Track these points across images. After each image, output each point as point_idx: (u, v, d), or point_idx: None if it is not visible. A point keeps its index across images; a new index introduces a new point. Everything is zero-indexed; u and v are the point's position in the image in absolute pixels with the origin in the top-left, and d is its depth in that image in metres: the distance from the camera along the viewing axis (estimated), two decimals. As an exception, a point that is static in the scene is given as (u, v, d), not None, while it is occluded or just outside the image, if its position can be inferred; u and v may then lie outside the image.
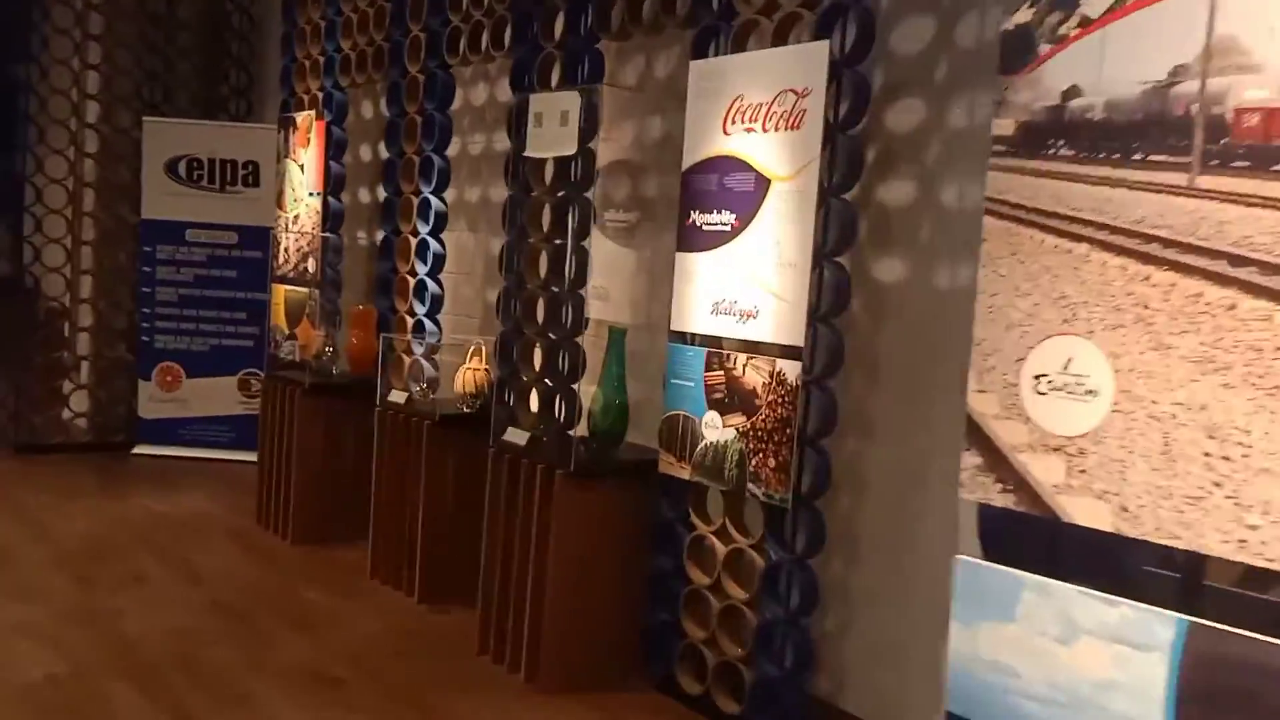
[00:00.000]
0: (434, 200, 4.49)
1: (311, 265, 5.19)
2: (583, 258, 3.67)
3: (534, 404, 3.84)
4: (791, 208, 2.99)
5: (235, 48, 6.85)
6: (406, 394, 4.33)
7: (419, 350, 4.55)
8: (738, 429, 3.13)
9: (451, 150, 4.67)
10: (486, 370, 4.30)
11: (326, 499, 4.84)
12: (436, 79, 4.48)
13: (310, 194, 5.21)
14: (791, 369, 2.99)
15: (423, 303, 4.60)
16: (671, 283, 3.37)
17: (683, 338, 3.36)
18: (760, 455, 3.06)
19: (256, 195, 6.34)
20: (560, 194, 3.75)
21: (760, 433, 3.06)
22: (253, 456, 5.29)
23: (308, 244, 5.21)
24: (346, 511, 4.78)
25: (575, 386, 3.54)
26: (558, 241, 3.77)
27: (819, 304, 2.97)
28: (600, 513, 3.41)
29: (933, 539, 2.93)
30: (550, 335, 3.72)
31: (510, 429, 3.64)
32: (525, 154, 3.63)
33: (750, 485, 3.09)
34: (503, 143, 4.76)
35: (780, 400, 3.01)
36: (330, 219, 5.11)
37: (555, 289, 3.78)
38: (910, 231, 3.08)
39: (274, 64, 6.38)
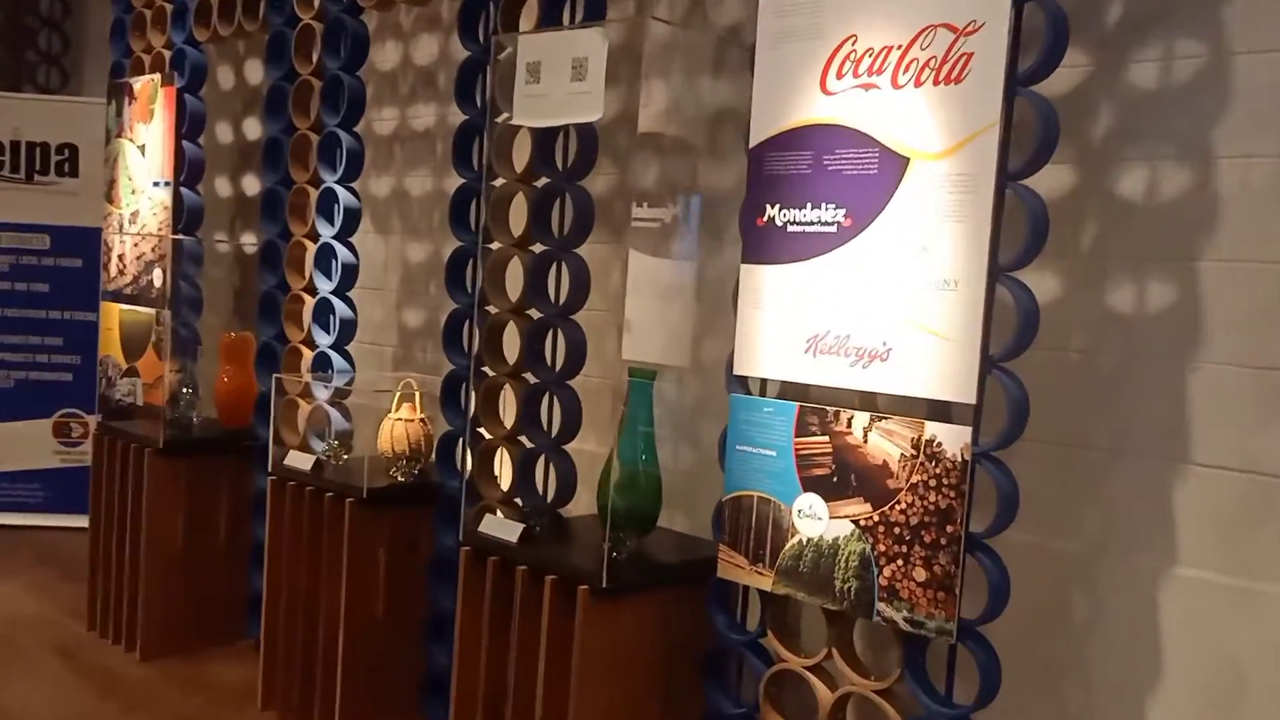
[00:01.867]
0: (341, 192, 3.34)
1: (158, 278, 3.93)
2: (579, 270, 2.62)
3: (502, 471, 2.77)
4: (949, 199, 2.02)
5: (45, 3, 5.45)
6: (312, 456, 3.17)
7: (322, 394, 3.39)
8: (857, 522, 2.14)
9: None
10: (423, 422, 3.18)
11: (191, 595, 3.62)
12: (343, 27, 3.32)
13: (156, 184, 3.94)
14: (953, 436, 2.02)
15: (326, 329, 3.43)
16: (732, 307, 2.36)
17: (752, 386, 2.35)
18: (899, 562, 2.08)
19: (75, 187, 5.00)
20: (544, 182, 2.69)
21: (898, 529, 2.08)
22: (75, 522, 4.00)
23: (153, 250, 3.94)
24: (221, 611, 3.57)
25: (565, 449, 2.50)
26: (537, 248, 2.71)
27: (986, 340, 2.02)
28: (636, 639, 2.36)
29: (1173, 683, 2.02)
30: (529, 378, 2.67)
31: (488, 518, 2.55)
32: (513, 121, 2.55)
33: (882, 605, 2.10)
34: (423, 118, 3.64)
35: (934, 481, 2.04)
36: (186, 217, 3.87)
37: (538, 313, 2.72)
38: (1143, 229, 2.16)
39: (95, 22, 5.05)
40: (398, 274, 3.79)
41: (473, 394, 2.91)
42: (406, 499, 3.03)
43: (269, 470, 3.25)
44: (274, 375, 3.37)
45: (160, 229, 3.88)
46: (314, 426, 3.40)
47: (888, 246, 2.10)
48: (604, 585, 2.24)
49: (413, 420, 3.18)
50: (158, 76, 3.92)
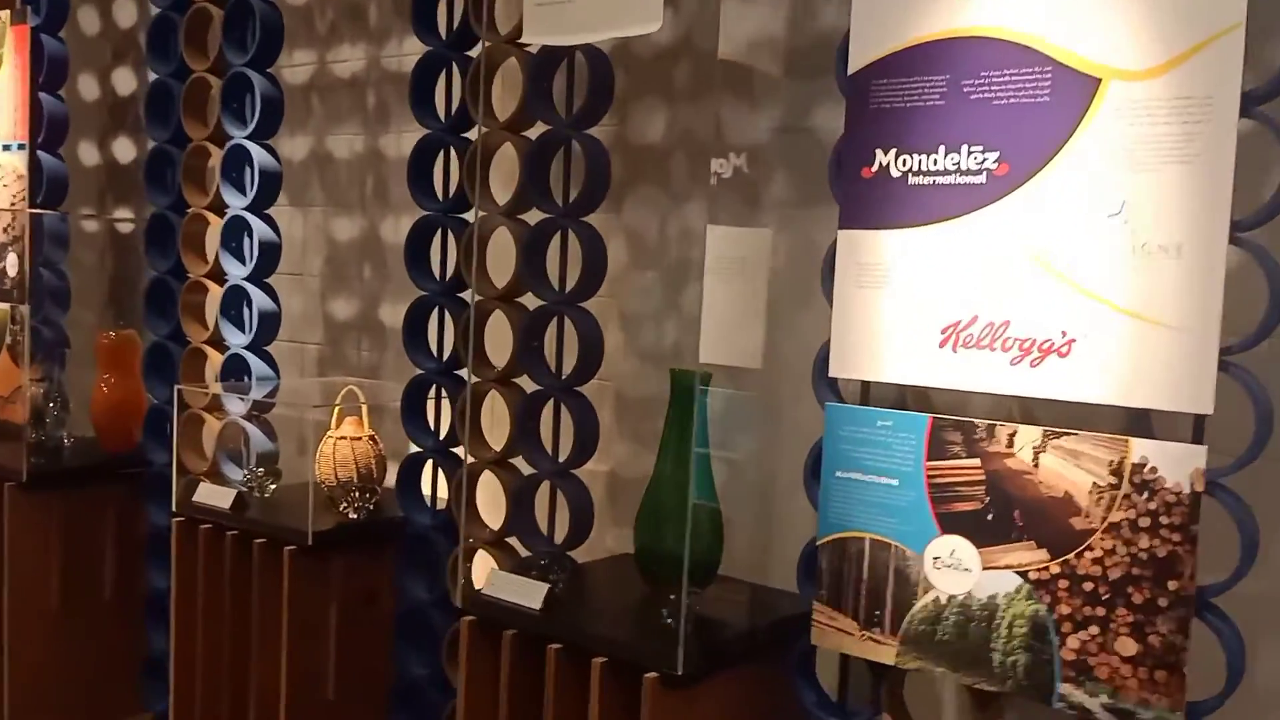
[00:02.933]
0: (255, 151, 2.62)
1: (12, 264, 3.15)
2: (593, 244, 2.02)
3: (487, 503, 2.15)
4: (1166, 134, 1.47)
5: None
6: (231, 490, 2.47)
7: (237, 408, 2.68)
8: (1025, 575, 1.58)
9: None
10: (373, 440, 2.51)
11: (71, 661, 2.87)
12: (249, -59, 2.60)
13: (7, 147, 3.15)
14: (1176, 459, 1.48)
15: (240, 326, 2.72)
16: (822, 288, 1.78)
17: (845, 392, 1.78)
18: (1092, 629, 1.54)
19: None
20: (543, 131, 2.06)
21: (1091, 584, 1.53)
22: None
23: (4, 230, 3.16)
24: (112, 679, 2.85)
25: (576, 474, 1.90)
26: (533, 217, 2.09)
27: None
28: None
29: None
30: (522, 383, 2.06)
31: (496, 575, 1.92)
32: (524, 40, 1.91)
33: (1067, 688, 1.56)
34: (349, 62, 2.95)
35: (1147, 520, 1.49)
36: (46, 187, 3.10)
37: (537, 300, 2.10)
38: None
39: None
40: (320, 255, 3.09)
41: (445, 404, 2.27)
42: (361, 541, 2.37)
43: (173, 508, 2.54)
44: (175, 386, 2.65)
45: (13, 202, 3.09)
46: (226, 449, 2.70)
47: (1066, 201, 1.54)
48: (680, 671, 1.64)
49: (360, 439, 2.51)
50: (6, 13, 3.12)
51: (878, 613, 1.73)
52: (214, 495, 2.47)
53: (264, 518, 2.40)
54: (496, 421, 2.22)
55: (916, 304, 1.67)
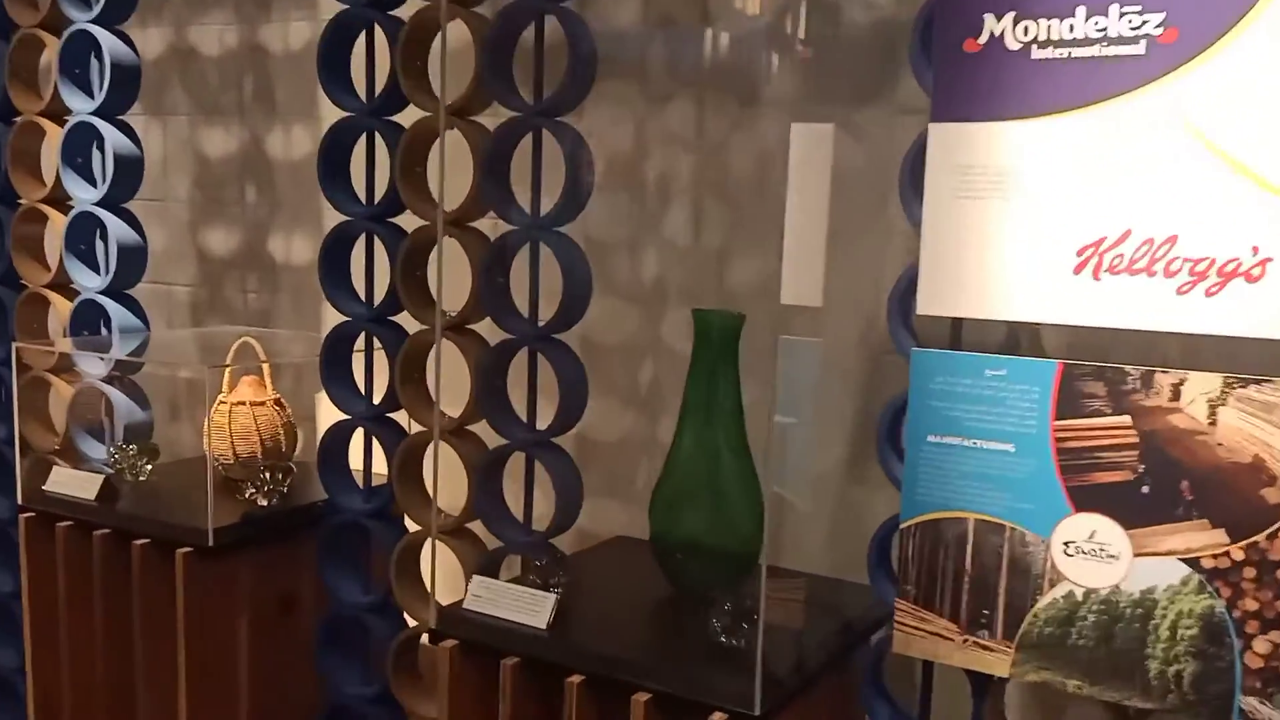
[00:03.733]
0: (105, 39, 2.04)
1: None
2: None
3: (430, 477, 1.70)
4: None
5: None
6: (98, 476, 1.94)
7: (95, 370, 2.13)
8: (1196, 563, 1.24)
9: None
10: (279, 406, 2.02)
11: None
12: None
13: None
14: None
15: (93, 265, 2.15)
16: (904, 198, 1.38)
17: (944, 333, 1.39)
18: (1290, 630, 1.20)
19: None
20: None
21: (1288, 574, 1.20)
22: None
23: None
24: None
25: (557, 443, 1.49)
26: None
27: None
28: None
29: None
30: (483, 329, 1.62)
31: (482, 584, 1.46)
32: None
33: (1253, 703, 1.22)
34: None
35: (1370, 493, 1.16)
36: None
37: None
38: None
39: None
40: (187, 177, 2.52)
41: (377, 358, 1.80)
42: (274, 535, 1.88)
43: (19, 500, 1.99)
44: (10, 342, 2.08)
45: None
46: (83, 421, 2.15)
47: (1259, 77, 1.17)
48: (758, 712, 1.23)
49: (263, 404, 2.01)
50: None
51: (986, 613, 1.36)
52: (73, 482, 1.94)
53: (143, 510, 1.88)
54: (450, 380, 1.75)
55: (1043, 218, 1.29)
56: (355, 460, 1.92)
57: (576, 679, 1.31)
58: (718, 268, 1.86)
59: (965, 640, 1.37)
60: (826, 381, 1.67)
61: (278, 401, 2.05)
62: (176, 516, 1.83)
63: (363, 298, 1.86)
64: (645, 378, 1.96)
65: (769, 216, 1.75)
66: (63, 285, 2.17)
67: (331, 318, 1.88)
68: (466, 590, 1.45)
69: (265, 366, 2.04)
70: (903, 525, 1.40)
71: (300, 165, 2.34)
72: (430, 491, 1.72)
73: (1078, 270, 1.27)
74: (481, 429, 1.74)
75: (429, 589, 1.63)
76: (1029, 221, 1.29)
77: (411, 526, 1.81)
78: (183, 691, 1.78)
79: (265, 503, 1.88)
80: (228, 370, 2.02)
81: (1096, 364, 1.27)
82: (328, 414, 2.26)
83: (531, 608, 1.39)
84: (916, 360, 1.37)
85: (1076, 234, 1.27)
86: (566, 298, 1.60)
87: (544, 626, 1.38)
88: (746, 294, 1.82)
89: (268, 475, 1.87)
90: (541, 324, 1.66)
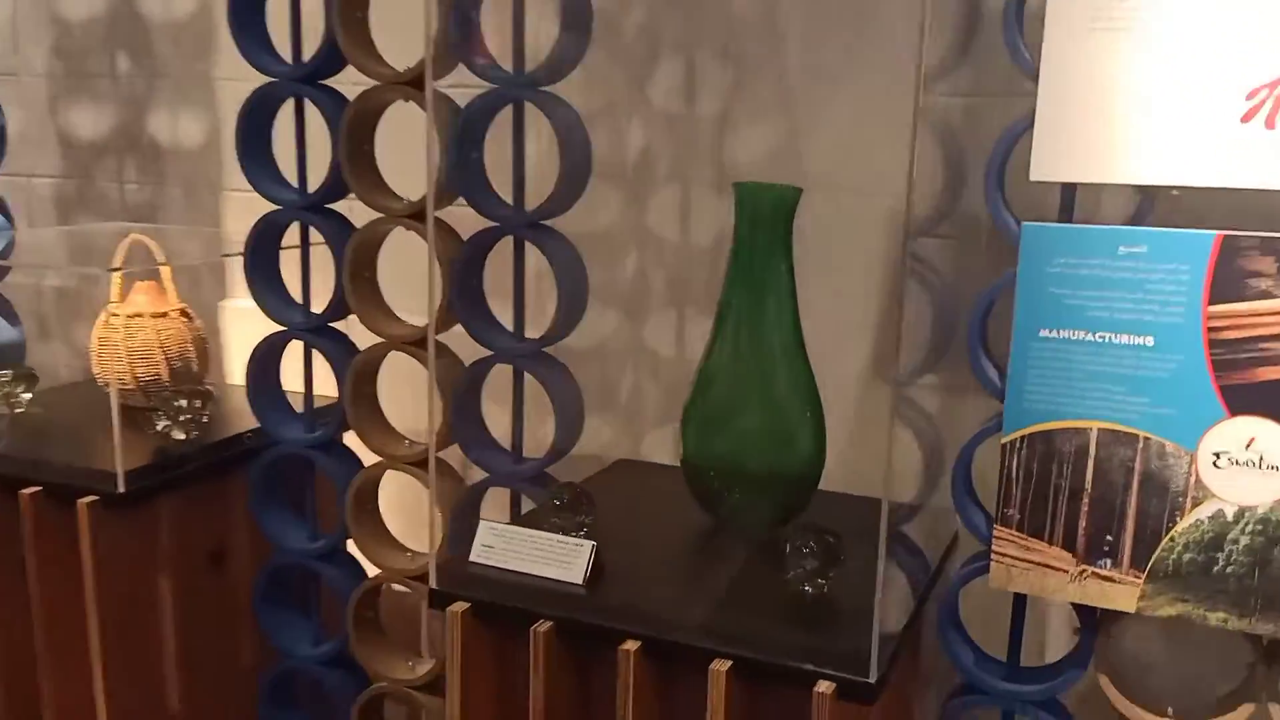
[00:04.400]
0: None
1: None
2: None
3: (397, 406, 1.40)
4: None
5: None
6: (-37, 413, 1.56)
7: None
8: (1384, 472, 1.03)
9: None
10: (186, 318, 1.67)
11: None
12: None
13: None
14: None
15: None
16: (1004, 39, 1.11)
17: (1046, 204, 1.13)
18: None
19: None
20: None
21: None
22: None
23: None
24: None
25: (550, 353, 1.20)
26: (460, 221, 1.29)
27: None
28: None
29: None
30: (461, 226, 1.31)
31: (493, 530, 1.17)
32: None
33: None
34: None
35: None
36: None
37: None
38: None
39: None
40: (41, 45, 2.07)
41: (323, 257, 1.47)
42: (194, 475, 1.54)
43: None
44: None
45: None
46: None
47: None
48: (873, 678, 0.98)
49: (166, 316, 1.65)
50: None
51: (1109, 539, 1.14)
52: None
53: (28, 450, 1.52)
54: (402, 279, 1.44)
55: (1203, 52, 1.03)
56: (288, 382, 1.59)
57: (632, 646, 1.04)
58: (715, 139, 1.57)
59: (1083, 572, 1.15)
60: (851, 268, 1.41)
61: (183, 312, 1.69)
62: (73, 457, 1.48)
63: (293, 182, 1.50)
64: (626, 272, 1.66)
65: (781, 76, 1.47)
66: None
67: (235, 210, 1.53)
68: (474, 540, 1.16)
69: (166, 270, 1.67)
70: (1005, 439, 1.16)
71: (184, 26, 1.93)
72: (372, 415, 1.41)
73: (1246, 118, 1.02)
74: (454, 340, 1.43)
75: (429, 540, 1.33)
76: (1184, 57, 1.03)
77: (369, 459, 1.50)
78: (97, 664, 1.46)
79: (182, 436, 1.54)
80: (117, 276, 1.64)
81: (1266, 234, 1.04)
82: (237, 327, 1.91)
83: (563, 558, 1.11)
84: (1029, 237, 1.11)
85: (1247, 72, 1.02)
86: (568, 167, 1.29)
87: (580, 581, 1.10)
88: (752, 172, 1.53)
89: (184, 403, 1.53)
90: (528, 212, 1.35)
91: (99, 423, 1.46)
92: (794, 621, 1.07)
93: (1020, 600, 1.26)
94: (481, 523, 1.16)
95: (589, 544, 1.11)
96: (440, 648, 1.79)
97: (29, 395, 1.66)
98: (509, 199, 1.38)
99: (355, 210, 1.45)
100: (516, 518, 1.27)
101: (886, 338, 1.44)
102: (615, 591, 1.12)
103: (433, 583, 1.14)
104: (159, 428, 1.52)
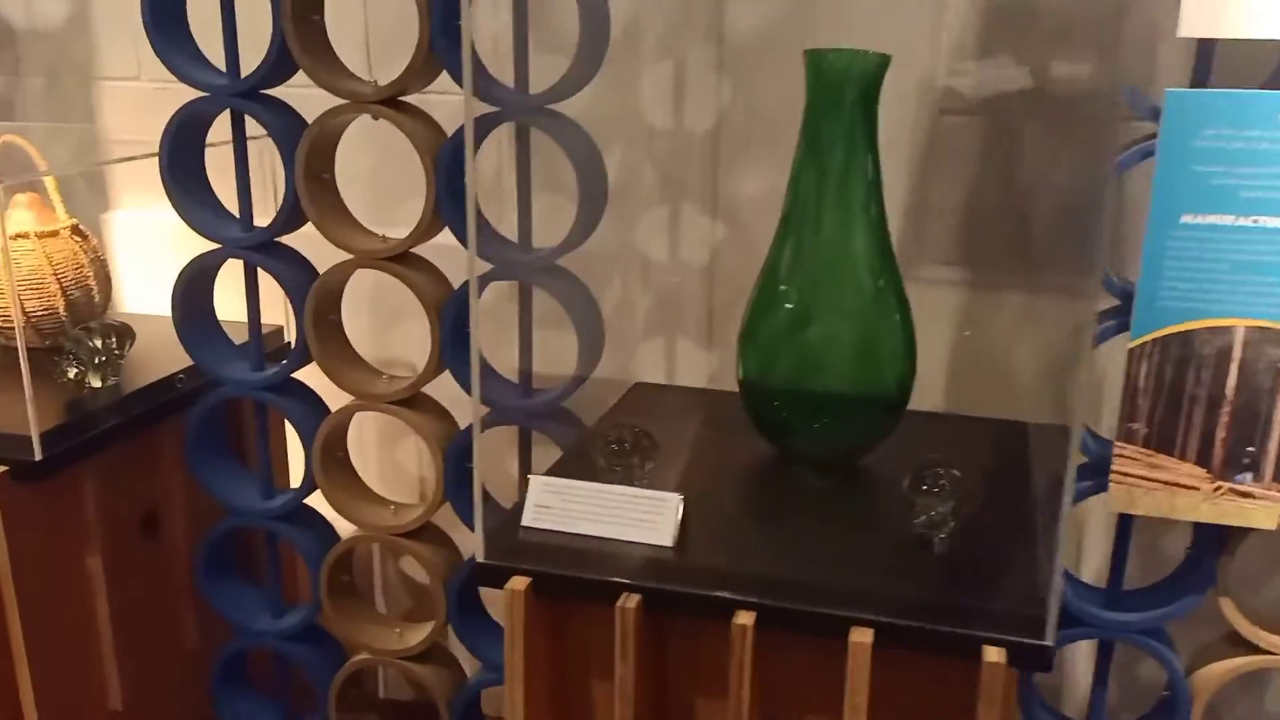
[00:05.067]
0: None
1: None
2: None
3: (366, 335, 1.18)
4: None
5: None
6: None
7: None
8: None
9: None
10: (80, 236, 1.38)
11: None
12: None
13: None
14: None
15: None
16: None
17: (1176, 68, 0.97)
18: None
19: None
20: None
21: None
22: None
23: None
24: None
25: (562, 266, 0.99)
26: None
27: None
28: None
29: None
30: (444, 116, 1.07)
31: (549, 485, 0.95)
32: None
33: None
34: None
35: None
36: None
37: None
38: None
39: None
40: None
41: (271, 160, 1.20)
42: (121, 433, 1.26)
43: None
44: None
45: None
46: None
47: None
48: (1049, 641, 0.83)
49: (55, 235, 1.35)
50: None
51: (1250, 450, 1.00)
52: None
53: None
54: (364, 184, 1.18)
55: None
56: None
57: (746, 619, 0.85)
58: (713, 5, 1.35)
59: (1218, 489, 1.02)
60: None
61: (76, 229, 1.38)
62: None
63: (222, 66, 1.21)
64: (611, 159, 1.44)
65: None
66: None
67: (114, 103, 1.24)
68: (526, 500, 0.94)
69: (50, 180, 1.36)
70: (1133, 344, 1.00)
71: None
72: (338, 349, 1.16)
73: None
74: (434, 253, 1.19)
75: (474, 502, 1.11)
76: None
77: (335, 401, 1.26)
78: (21, 662, 1.19)
79: (99, 383, 1.26)
80: (-6, 191, 1.32)
81: None
82: (128, 246, 1.61)
83: (643, 516, 0.91)
84: (1173, 105, 0.94)
85: None
86: (586, 36, 1.05)
87: (670, 543, 0.91)
88: (757, 42, 1.32)
89: (98, 342, 1.24)
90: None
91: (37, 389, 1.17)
92: (932, 577, 0.90)
93: (1125, 523, 1.12)
94: (533, 479, 0.94)
95: (675, 497, 0.91)
96: (403, 608, 1.58)
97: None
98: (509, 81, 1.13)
99: (306, 99, 1.18)
100: (553, 467, 1.06)
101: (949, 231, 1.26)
102: (708, 552, 0.93)
103: (481, 556, 0.93)
104: (71, 375, 1.24)
